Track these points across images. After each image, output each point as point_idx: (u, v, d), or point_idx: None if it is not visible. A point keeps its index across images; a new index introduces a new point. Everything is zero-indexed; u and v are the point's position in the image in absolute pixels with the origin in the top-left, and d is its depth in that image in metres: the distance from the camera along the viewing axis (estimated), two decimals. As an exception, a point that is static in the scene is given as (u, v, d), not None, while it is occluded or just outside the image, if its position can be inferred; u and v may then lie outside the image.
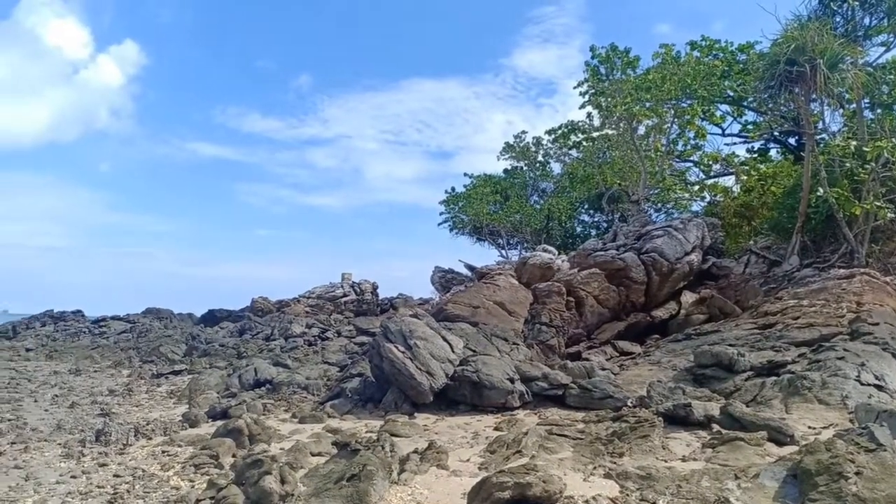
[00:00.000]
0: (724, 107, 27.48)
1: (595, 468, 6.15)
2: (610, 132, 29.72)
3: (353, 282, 31.66)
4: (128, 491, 5.78)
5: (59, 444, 7.94)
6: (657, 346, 13.31)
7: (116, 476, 6.37)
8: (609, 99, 25.48)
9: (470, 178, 38.50)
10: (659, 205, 30.95)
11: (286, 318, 25.07)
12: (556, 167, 37.33)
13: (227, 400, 10.96)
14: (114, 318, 30.93)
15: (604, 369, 11.34)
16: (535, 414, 9.36)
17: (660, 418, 7.45)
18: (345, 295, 30.43)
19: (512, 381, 9.95)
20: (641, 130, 27.16)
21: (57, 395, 12.44)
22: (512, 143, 37.24)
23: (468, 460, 6.78)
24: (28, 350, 22.18)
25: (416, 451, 6.66)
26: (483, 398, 9.80)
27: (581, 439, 7.17)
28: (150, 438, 8.30)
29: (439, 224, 38.75)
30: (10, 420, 9.57)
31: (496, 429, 8.45)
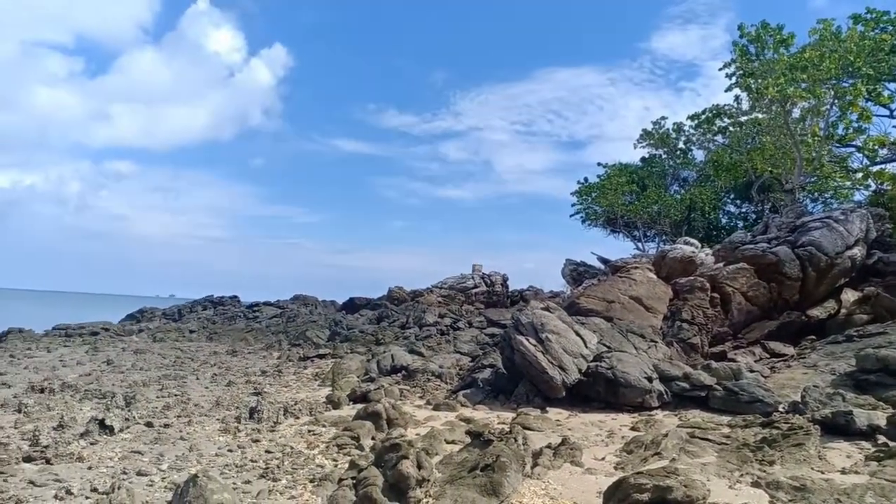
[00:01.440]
0: (893, 85, 24.68)
1: (742, 475, 5.81)
2: (760, 116, 27.80)
3: (484, 273, 31.89)
4: (278, 466, 6.19)
5: (218, 419, 8.66)
6: (813, 348, 12.29)
7: (268, 452, 6.85)
8: (759, 80, 23.70)
9: (604, 167, 37.42)
10: (816, 194, 28.66)
11: (420, 308, 25.73)
12: (698, 154, 35.41)
13: (367, 384, 11.43)
14: (265, 303, 33.27)
15: (752, 371, 10.65)
16: (675, 415, 8.99)
17: (816, 426, 6.94)
18: (475, 286, 30.74)
19: (650, 379, 9.60)
20: (796, 113, 25.16)
21: (216, 374, 13.57)
22: (650, 129, 35.67)
23: (603, 459, 6.63)
24: (191, 332, 24.41)
25: (549, 446, 6.61)
26: (618, 396, 9.53)
27: (726, 444, 6.79)
28: (298, 418, 8.84)
29: (571, 216, 38.05)
30: (176, 395, 10.57)
31: (633, 428, 8.20)
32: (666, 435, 6.93)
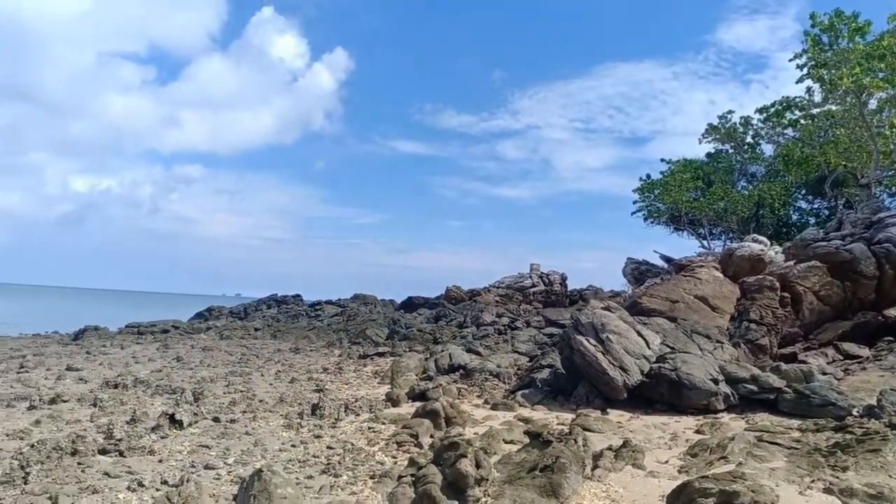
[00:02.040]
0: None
1: (813, 481, 5.57)
2: (834, 108, 26.66)
3: (542, 272, 31.64)
4: (339, 462, 6.28)
5: (282, 415, 8.86)
6: (890, 350, 11.75)
7: (329, 448, 6.97)
8: (833, 70, 22.73)
9: (667, 163, 36.63)
10: (893, 189, 27.23)
11: (477, 307, 25.74)
12: (767, 149, 34.26)
13: (425, 382, 11.49)
14: (327, 302, 33.92)
15: (824, 373, 10.22)
16: (742, 418, 8.71)
17: (893, 431, 6.61)
18: (533, 285, 30.53)
19: (716, 381, 9.32)
20: (873, 104, 24.02)
21: (279, 371, 13.90)
22: (716, 124, 34.63)
23: (666, 462, 6.46)
24: (256, 329, 25.10)
25: (609, 448, 6.49)
26: (682, 398, 9.29)
27: (796, 449, 6.53)
28: (358, 415, 8.96)
29: (633, 213, 37.40)
30: (242, 391, 10.87)
31: (697, 431, 7.98)
32: (732, 438, 6.71)
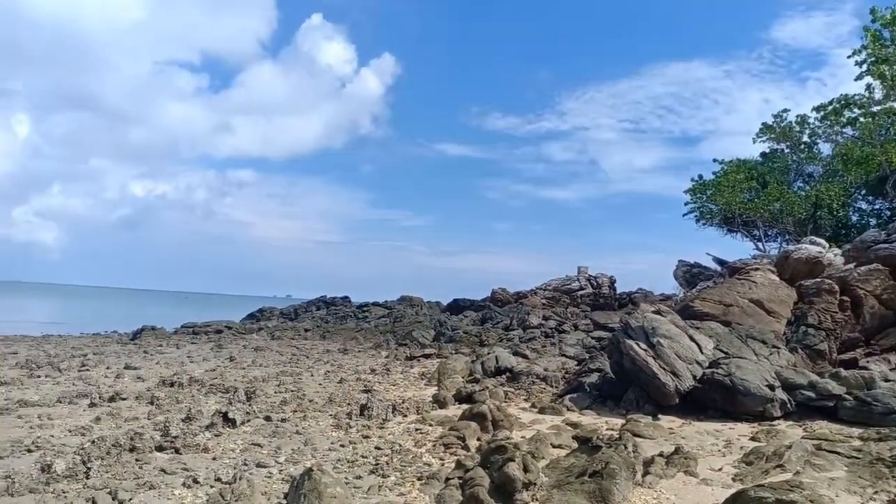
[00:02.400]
0: None
1: (876, 493, 5.36)
2: (895, 105, 25.51)
3: (590, 275, 31.28)
4: (387, 463, 6.33)
5: (331, 415, 8.98)
6: (961, 358, 11.14)
7: (377, 448, 7.02)
8: (895, 67, 21.82)
9: (720, 163, 35.71)
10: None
11: (524, 310, 25.60)
12: (825, 148, 33.10)
13: (472, 385, 11.47)
14: (374, 304, 34.27)
15: (887, 380, 9.77)
16: (800, 426, 8.43)
17: (965, 443, 6.25)
18: (581, 288, 30.21)
19: (772, 388, 9.04)
20: (939, 101, 22.93)
21: (328, 372, 14.09)
22: (771, 123, 33.66)
23: (720, 469, 6.30)
24: (306, 330, 25.53)
25: (661, 455, 6.37)
26: (736, 404, 9.04)
27: (858, 458, 6.28)
28: (405, 416, 9.02)
29: (684, 215, 36.57)
30: (292, 391, 11.05)
31: (753, 438, 7.76)
32: (789, 446, 6.50)
